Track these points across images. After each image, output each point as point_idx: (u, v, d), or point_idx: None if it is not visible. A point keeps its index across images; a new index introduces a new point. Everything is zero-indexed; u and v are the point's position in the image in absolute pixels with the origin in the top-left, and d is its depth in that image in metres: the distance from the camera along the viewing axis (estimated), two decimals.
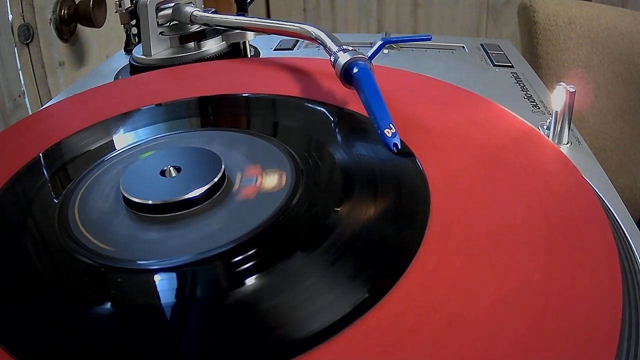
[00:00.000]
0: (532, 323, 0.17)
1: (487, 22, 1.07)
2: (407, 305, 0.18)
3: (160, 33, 0.44)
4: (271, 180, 0.25)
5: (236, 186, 0.25)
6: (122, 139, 0.31)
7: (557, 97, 0.31)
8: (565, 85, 0.30)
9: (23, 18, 0.59)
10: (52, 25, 0.63)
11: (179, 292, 0.20)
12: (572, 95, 0.30)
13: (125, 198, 0.24)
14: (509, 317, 0.17)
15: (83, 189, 0.26)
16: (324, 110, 0.32)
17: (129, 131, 0.31)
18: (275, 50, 0.52)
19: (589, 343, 0.16)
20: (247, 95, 0.35)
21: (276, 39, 0.55)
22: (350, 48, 0.31)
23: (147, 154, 0.28)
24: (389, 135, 0.25)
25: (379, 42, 0.38)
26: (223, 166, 0.25)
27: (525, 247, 0.20)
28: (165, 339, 0.18)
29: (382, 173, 0.25)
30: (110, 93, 0.38)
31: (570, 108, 0.31)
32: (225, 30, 0.45)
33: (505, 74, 0.44)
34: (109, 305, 0.19)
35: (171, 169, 0.25)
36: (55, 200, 0.25)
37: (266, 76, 0.38)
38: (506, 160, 0.25)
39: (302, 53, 0.52)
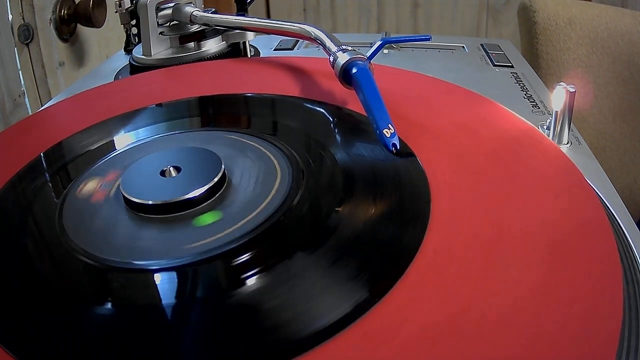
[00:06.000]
0: (532, 322, 0.17)
1: (487, 22, 1.07)
2: (407, 305, 0.18)
3: (160, 33, 0.44)
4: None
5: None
6: (123, 139, 0.31)
7: (557, 97, 0.31)
8: (565, 85, 0.30)
9: (23, 18, 0.59)
10: (52, 25, 0.63)
11: (180, 292, 0.20)
12: (572, 95, 0.30)
13: (125, 198, 0.24)
14: (510, 317, 0.17)
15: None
16: (324, 110, 0.32)
17: (130, 131, 0.31)
18: (275, 50, 0.52)
19: (589, 343, 0.16)
20: (247, 95, 0.35)
21: (276, 39, 0.55)
22: (350, 48, 0.31)
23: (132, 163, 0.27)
24: (388, 135, 0.25)
25: (378, 42, 0.38)
26: (223, 166, 0.25)
27: (525, 247, 0.20)
28: (166, 339, 0.18)
29: (382, 173, 0.25)
30: (110, 93, 0.38)
31: (570, 108, 0.31)
32: (225, 30, 0.45)
33: (505, 74, 0.44)
34: (109, 305, 0.19)
35: (171, 169, 0.25)
36: (55, 200, 0.25)
37: (266, 76, 0.38)
38: (506, 159, 0.25)
39: (302, 53, 0.52)
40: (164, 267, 0.20)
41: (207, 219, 0.23)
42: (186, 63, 0.43)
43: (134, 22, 0.52)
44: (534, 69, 0.47)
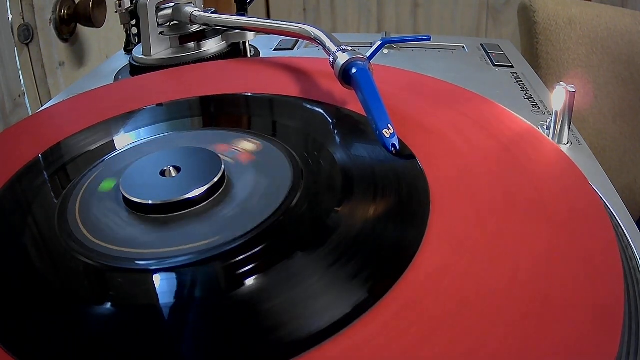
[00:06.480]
0: (532, 321, 0.17)
1: (487, 22, 1.07)
2: (406, 305, 0.18)
3: (160, 33, 0.44)
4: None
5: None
6: (122, 139, 0.31)
7: (557, 97, 0.31)
8: (565, 85, 0.30)
9: (23, 18, 0.59)
10: (52, 25, 0.63)
11: (179, 292, 0.20)
12: (572, 95, 0.30)
13: (125, 198, 0.24)
14: (509, 316, 0.17)
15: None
16: (323, 110, 0.32)
17: (129, 131, 0.31)
18: (275, 50, 0.52)
19: (590, 342, 0.16)
20: (247, 95, 0.35)
21: (276, 39, 0.55)
22: (350, 48, 0.31)
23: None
24: (387, 135, 0.25)
25: (378, 42, 0.38)
26: (223, 166, 0.25)
27: (525, 246, 0.20)
28: (165, 339, 0.18)
29: (382, 173, 0.25)
30: (110, 94, 0.38)
31: (570, 108, 0.31)
32: (225, 30, 0.45)
33: (505, 74, 0.44)
34: (108, 305, 0.19)
35: (171, 169, 0.25)
36: (55, 201, 0.25)
37: (266, 76, 0.38)
38: (507, 159, 0.25)
39: (302, 53, 0.52)
40: (163, 267, 0.20)
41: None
42: (186, 63, 0.43)
43: (134, 22, 0.52)
44: (534, 69, 0.47)
